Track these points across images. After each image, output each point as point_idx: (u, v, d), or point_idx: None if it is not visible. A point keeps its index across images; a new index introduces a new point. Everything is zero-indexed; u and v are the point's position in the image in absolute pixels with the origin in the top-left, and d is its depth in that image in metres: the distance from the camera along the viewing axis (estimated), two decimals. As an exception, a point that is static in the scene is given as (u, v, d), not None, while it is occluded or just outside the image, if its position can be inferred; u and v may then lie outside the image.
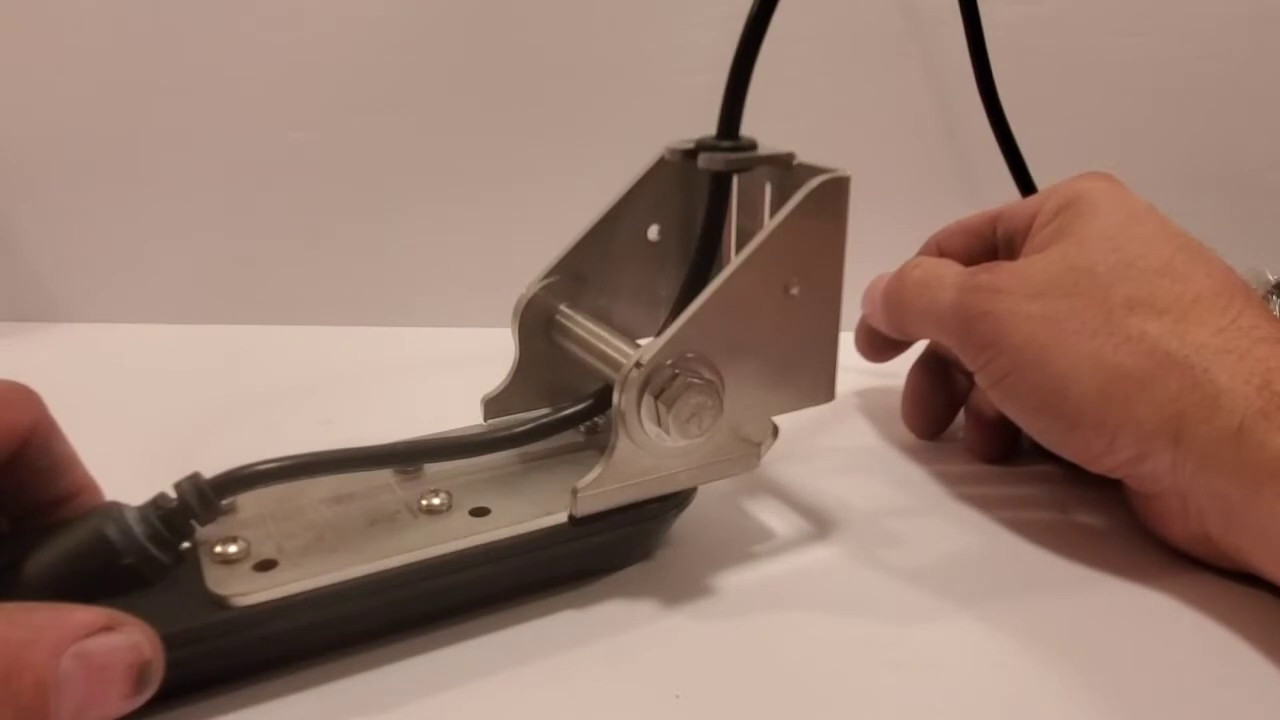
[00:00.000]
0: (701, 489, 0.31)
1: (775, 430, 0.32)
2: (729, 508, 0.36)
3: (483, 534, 0.28)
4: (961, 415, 0.41)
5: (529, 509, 0.29)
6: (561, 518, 0.29)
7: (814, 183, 0.29)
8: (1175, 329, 0.30)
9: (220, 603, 0.25)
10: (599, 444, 0.33)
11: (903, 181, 0.52)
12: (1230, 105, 0.52)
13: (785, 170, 0.32)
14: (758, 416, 0.31)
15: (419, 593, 0.27)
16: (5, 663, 0.20)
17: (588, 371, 0.32)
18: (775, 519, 0.35)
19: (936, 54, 0.51)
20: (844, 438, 0.42)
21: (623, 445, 0.28)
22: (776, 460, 0.38)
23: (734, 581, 0.31)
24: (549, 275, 0.34)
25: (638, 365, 0.28)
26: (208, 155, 0.53)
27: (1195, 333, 0.30)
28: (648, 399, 0.28)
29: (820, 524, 0.35)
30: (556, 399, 0.34)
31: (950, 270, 0.36)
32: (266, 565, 0.26)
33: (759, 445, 0.31)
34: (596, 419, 0.33)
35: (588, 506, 0.29)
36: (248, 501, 0.29)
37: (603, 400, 0.31)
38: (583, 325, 0.33)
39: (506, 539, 0.28)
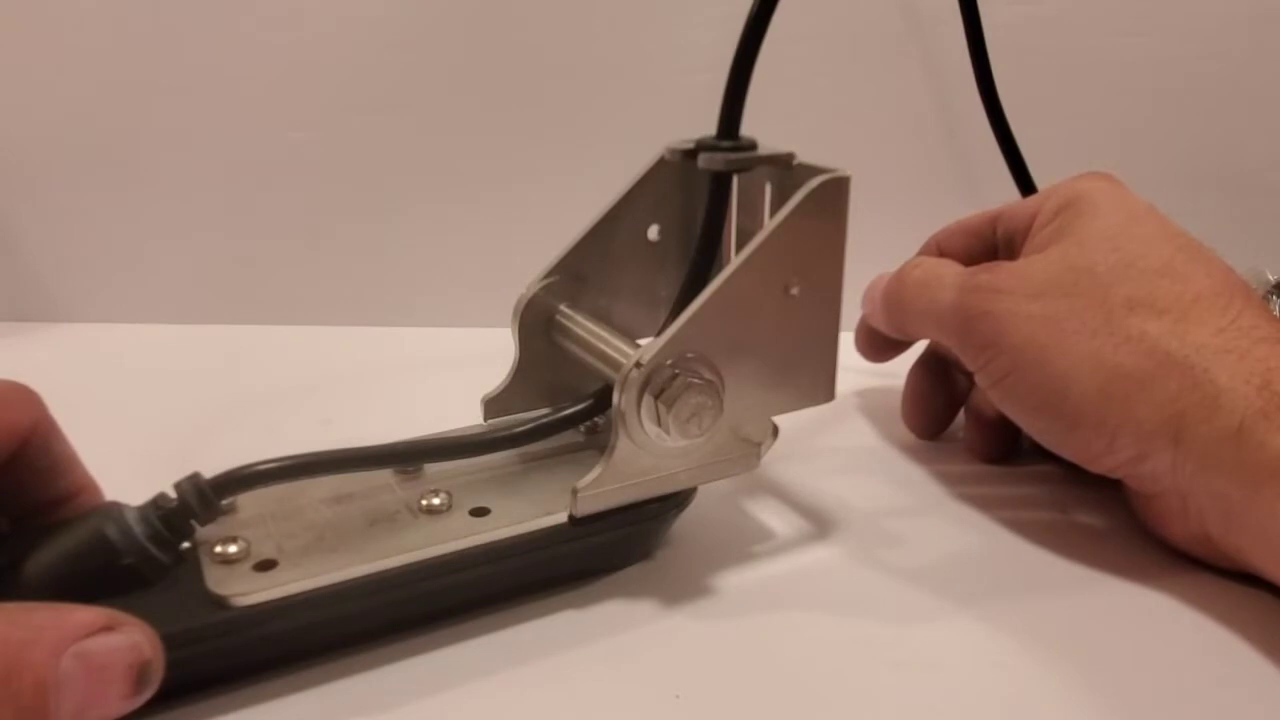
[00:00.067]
0: (701, 489, 0.31)
1: (775, 430, 0.32)
2: (729, 508, 0.36)
3: (483, 534, 0.28)
4: (961, 415, 0.41)
5: (529, 509, 0.29)
6: (561, 518, 0.29)
7: (814, 183, 0.29)
8: (1175, 329, 0.30)
9: (220, 603, 0.25)
10: (599, 444, 0.33)
11: (903, 181, 0.52)
12: (1230, 105, 0.52)
13: (785, 170, 0.32)
14: (758, 416, 0.31)
15: (419, 593, 0.27)
16: (5, 663, 0.20)
17: (588, 371, 0.32)
18: (775, 519, 0.35)
19: (936, 54, 0.51)
20: (844, 438, 0.42)
21: (623, 445, 0.28)
22: (776, 460, 0.38)
23: (734, 581, 0.31)
24: (549, 275, 0.34)
25: (638, 365, 0.28)
26: (208, 155, 0.53)
27: (1195, 333, 0.30)
28: (648, 399, 0.28)
29: (820, 524, 0.35)
30: (556, 399, 0.34)
31: (950, 270, 0.36)
32: (266, 565, 0.26)
33: (759, 445, 0.31)
34: (596, 419, 0.33)
35: (588, 506, 0.29)
36: (248, 501, 0.29)
37: (603, 400, 0.31)
38: (583, 325, 0.33)
39: (506, 539, 0.28)
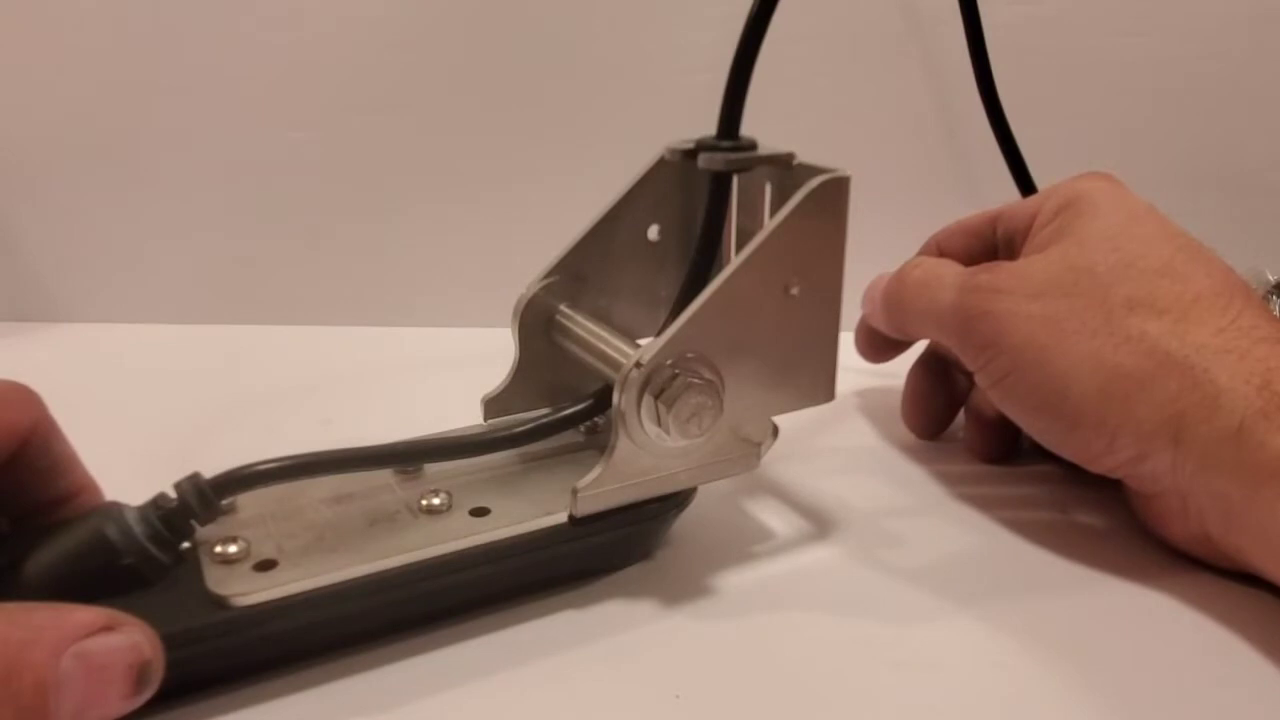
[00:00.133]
0: (701, 489, 0.31)
1: (775, 430, 0.32)
2: (729, 508, 0.36)
3: (483, 534, 0.28)
4: (961, 415, 0.41)
5: (529, 509, 0.29)
6: (561, 518, 0.29)
7: (814, 183, 0.29)
8: (1175, 329, 0.30)
9: (220, 603, 0.25)
10: (599, 444, 0.33)
11: (903, 181, 0.52)
12: (1230, 105, 0.52)
13: (785, 170, 0.32)
14: (758, 416, 0.31)
15: (419, 593, 0.27)
16: (5, 663, 0.20)
17: (588, 371, 0.32)
18: (775, 519, 0.35)
19: (936, 54, 0.51)
20: (844, 438, 0.42)
21: (623, 445, 0.28)
22: (776, 460, 0.38)
23: (734, 581, 0.31)
24: (549, 275, 0.34)
25: (638, 365, 0.28)
26: (208, 155, 0.53)
27: (1195, 333, 0.30)
28: (648, 399, 0.28)
29: (820, 524, 0.35)
30: (556, 399, 0.34)
31: (950, 270, 0.36)
32: (266, 565, 0.26)
33: (759, 445, 0.31)
34: (596, 419, 0.33)
35: (588, 506, 0.29)
36: (248, 501, 0.29)
37: (603, 400, 0.31)
38: (583, 325, 0.33)
39: (506, 539, 0.28)
